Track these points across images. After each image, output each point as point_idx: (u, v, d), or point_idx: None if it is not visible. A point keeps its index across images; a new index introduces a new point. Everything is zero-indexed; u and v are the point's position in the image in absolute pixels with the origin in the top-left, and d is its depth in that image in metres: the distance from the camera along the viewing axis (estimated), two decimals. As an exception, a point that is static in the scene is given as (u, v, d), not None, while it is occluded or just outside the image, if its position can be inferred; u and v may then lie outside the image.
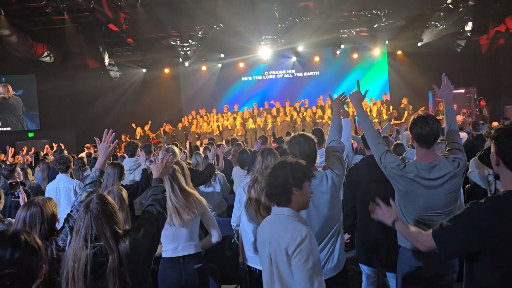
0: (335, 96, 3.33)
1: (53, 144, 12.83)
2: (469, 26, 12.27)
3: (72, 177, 5.16)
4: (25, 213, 2.39)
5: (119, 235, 2.13)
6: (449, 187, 2.66)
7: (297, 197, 2.17)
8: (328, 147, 2.99)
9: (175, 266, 3.11)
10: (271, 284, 2.14)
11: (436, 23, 13.22)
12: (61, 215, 4.14)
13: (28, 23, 11.61)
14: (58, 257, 2.37)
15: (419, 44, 15.06)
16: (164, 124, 15.82)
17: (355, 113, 3.19)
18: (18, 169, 4.90)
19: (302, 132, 2.90)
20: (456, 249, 1.93)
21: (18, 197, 3.09)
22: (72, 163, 5.07)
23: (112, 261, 2.03)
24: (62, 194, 4.71)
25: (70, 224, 2.46)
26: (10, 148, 10.44)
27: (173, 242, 3.13)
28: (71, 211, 2.63)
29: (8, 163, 8.25)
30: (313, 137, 2.84)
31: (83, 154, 7.17)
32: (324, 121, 14.63)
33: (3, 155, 11.40)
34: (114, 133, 2.71)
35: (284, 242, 2.06)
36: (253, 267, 3.29)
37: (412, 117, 2.78)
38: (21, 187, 3.15)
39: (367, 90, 3.39)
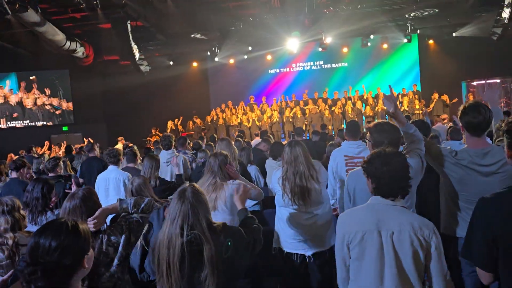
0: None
1: (84, 138, 13.22)
2: (506, 13, 11.76)
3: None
4: (67, 205, 2.47)
5: (214, 226, 2.13)
6: (504, 174, 2.65)
7: None
8: (411, 142, 2.87)
9: None
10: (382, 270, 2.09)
11: (471, 11, 12.77)
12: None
13: (62, 19, 11.91)
14: (107, 251, 2.41)
15: (454, 34, 14.64)
16: (194, 118, 16.08)
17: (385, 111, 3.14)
18: (61, 163, 5.11)
19: (386, 120, 2.86)
20: (485, 256, 1.90)
21: (71, 189, 3.22)
22: (121, 156, 5.27)
23: (209, 250, 2.02)
24: (112, 184, 4.87)
25: (128, 222, 2.52)
26: (46, 142, 10.85)
27: None
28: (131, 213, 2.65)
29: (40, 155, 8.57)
30: (397, 126, 2.79)
31: (119, 146, 7.36)
32: (350, 113, 14.51)
33: (39, 148, 11.81)
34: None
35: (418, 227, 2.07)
36: (294, 253, 3.34)
37: (462, 106, 2.75)
38: (73, 179, 3.28)
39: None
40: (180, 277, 2.02)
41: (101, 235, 2.43)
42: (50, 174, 5.21)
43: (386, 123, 2.80)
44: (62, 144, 10.39)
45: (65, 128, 16.83)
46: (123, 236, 2.44)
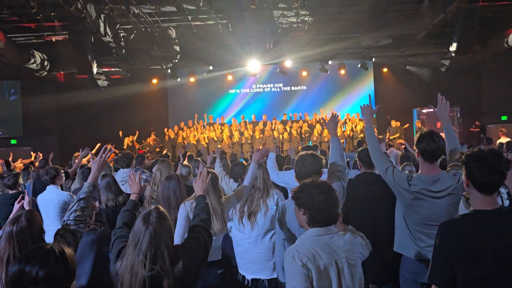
0: (326, 117, 3.44)
1: (32, 152, 12.61)
2: (453, 47, 12.58)
3: (62, 188, 5.02)
4: (12, 228, 2.29)
5: (172, 254, 2.10)
6: (450, 199, 2.81)
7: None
8: (330, 167, 3.07)
9: None
10: None
11: (422, 43, 13.54)
12: (50, 227, 4.05)
13: (17, 29, 11.50)
14: None
15: (408, 67, 15.56)
16: (151, 135, 15.77)
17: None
18: (20, 178, 4.89)
19: (310, 152, 2.98)
20: (440, 276, 2.04)
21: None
22: (59, 173, 4.76)
23: (167, 284, 2.02)
24: (51, 206, 4.51)
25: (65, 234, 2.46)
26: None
27: None
28: (66, 223, 2.60)
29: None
30: (321, 157, 2.94)
31: (84, 161, 6.96)
32: (312, 136, 14.82)
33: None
34: (112, 150, 2.72)
35: None
36: (243, 275, 3.37)
37: (418, 133, 2.92)
38: (26, 196, 3.11)
39: (378, 106, 3.61)
40: None
41: None
42: (11, 192, 4.96)
43: (309, 155, 2.96)
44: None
45: (13, 141, 16.03)
46: None
